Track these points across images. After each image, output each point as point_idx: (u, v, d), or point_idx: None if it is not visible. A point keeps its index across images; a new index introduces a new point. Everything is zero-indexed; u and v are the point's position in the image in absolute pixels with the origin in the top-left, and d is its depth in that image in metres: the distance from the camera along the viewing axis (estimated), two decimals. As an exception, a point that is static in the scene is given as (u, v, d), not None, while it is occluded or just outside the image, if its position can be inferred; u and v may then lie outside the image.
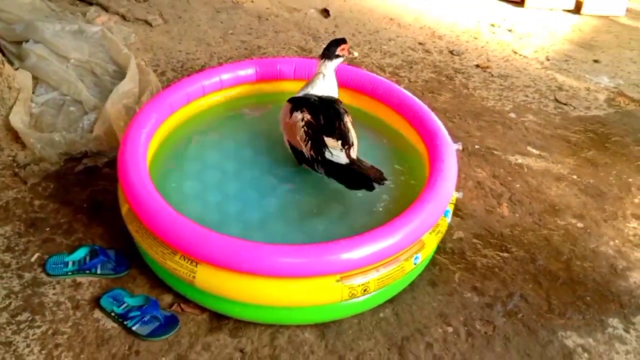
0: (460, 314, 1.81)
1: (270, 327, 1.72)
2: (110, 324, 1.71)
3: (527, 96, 3.04)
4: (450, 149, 1.95)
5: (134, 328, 1.67)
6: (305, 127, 1.92)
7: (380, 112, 2.31)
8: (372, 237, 1.62)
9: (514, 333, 1.77)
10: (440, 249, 2.01)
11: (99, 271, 1.85)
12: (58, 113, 2.58)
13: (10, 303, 1.76)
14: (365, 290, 1.65)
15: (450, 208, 1.95)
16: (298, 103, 2.00)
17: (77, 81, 2.67)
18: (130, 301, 1.75)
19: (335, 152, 1.86)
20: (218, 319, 1.73)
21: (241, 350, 1.66)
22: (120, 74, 2.77)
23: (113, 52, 2.90)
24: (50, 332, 1.68)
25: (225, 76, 2.34)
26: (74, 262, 1.87)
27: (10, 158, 2.36)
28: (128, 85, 2.58)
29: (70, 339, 1.67)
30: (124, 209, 1.85)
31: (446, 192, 1.81)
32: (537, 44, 3.60)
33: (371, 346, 1.70)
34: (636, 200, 2.36)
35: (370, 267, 1.65)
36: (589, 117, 2.89)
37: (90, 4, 3.56)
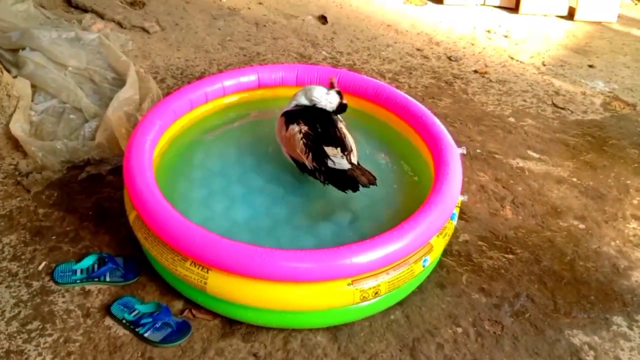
0: (469, 315, 1.83)
1: (283, 331, 1.72)
2: (121, 331, 1.70)
3: (525, 101, 3.09)
4: (455, 153, 1.98)
5: (146, 335, 1.67)
6: (303, 139, 1.93)
7: (384, 117, 2.33)
8: (383, 241, 1.63)
9: (522, 332, 1.79)
10: (447, 252, 2.03)
11: (108, 279, 1.84)
12: (58, 121, 2.56)
13: (19, 312, 1.75)
14: (376, 293, 1.66)
15: (456, 211, 1.97)
16: (292, 116, 2.02)
17: (76, 89, 2.65)
18: (141, 308, 1.74)
19: (337, 160, 1.87)
20: (230, 324, 1.73)
21: (255, 355, 1.66)
22: (119, 81, 2.76)
23: (111, 59, 2.88)
24: (61, 340, 1.67)
25: (228, 82, 2.35)
26: (82, 270, 1.86)
27: (12, 166, 2.34)
28: (128, 92, 2.57)
29: (82, 346, 1.66)
30: (132, 216, 1.85)
31: (452, 195, 1.83)
32: (532, 50, 3.65)
33: (383, 348, 1.71)
34: (635, 202, 2.40)
35: (381, 270, 1.66)
36: (586, 121, 2.94)
37: (86, 11, 3.55)
